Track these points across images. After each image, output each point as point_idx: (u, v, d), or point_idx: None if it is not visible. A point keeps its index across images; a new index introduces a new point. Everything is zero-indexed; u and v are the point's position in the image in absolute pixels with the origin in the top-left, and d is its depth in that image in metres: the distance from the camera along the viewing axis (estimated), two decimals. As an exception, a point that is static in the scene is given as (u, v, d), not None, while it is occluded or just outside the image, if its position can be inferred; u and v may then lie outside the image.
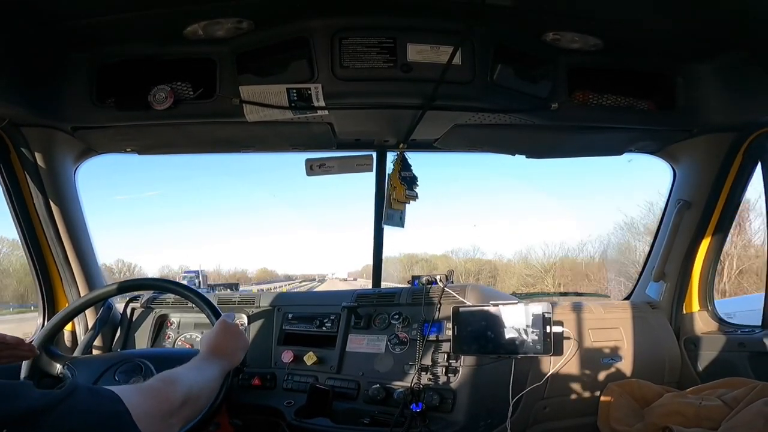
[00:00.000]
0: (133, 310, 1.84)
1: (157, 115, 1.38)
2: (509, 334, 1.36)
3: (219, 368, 0.98)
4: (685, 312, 1.87)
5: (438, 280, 1.59)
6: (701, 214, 1.77)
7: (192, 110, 1.39)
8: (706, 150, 1.71)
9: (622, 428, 1.53)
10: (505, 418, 1.43)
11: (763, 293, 1.67)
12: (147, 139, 1.62)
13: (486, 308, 1.40)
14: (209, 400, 0.93)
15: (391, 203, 1.77)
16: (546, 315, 1.34)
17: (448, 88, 1.30)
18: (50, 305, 1.74)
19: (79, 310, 1.46)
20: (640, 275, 2.03)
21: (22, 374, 1.33)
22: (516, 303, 1.41)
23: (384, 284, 2.01)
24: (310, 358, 1.59)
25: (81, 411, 0.58)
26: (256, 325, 1.76)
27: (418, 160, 1.80)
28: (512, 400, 1.43)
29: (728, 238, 1.83)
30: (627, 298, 2.06)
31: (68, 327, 1.73)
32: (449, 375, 1.42)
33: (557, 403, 1.63)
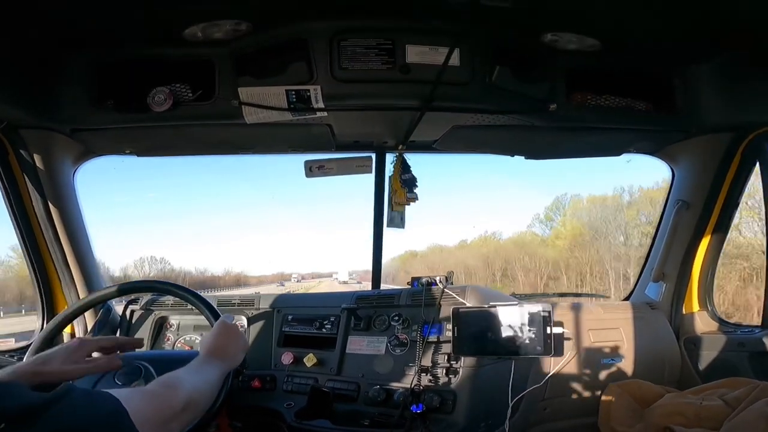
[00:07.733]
0: (132, 312, 1.83)
1: (156, 116, 1.38)
2: (509, 335, 1.36)
3: (219, 370, 0.98)
4: (684, 312, 1.87)
5: (438, 282, 1.58)
6: (700, 214, 1.78)
7: (191, 112, 1.39)
8: (704, 150, 1.71)
9: (622, 429, 1.53)
10: (506, 418, 1.42)
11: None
12: (146, 140, 1.62)
13: (486, 309, 1.40)
14: (209, 403, 0.93)
15: (393, 206, 1.78)
16: (546, 316, 1.34)
17: (447, 89, 1.30)
18: (49, 308, 1.73)
19: (78, 312, 1.45)
20: (640, 275, 2.03)
21: None
22: (516, 304, 1.41)
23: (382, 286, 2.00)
24: (310, 360, 1.59)
25: (77, 410, 0.57)
26: (256, 326, 1.76)
27: (417, 161, 1.81)
28: (512, 401, 1.42)
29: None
30: (626, 298, 2.07)
31: (67, 329, 1.72)
32: (449, 376, 1.42)
33: (557, 404, 1.63)
